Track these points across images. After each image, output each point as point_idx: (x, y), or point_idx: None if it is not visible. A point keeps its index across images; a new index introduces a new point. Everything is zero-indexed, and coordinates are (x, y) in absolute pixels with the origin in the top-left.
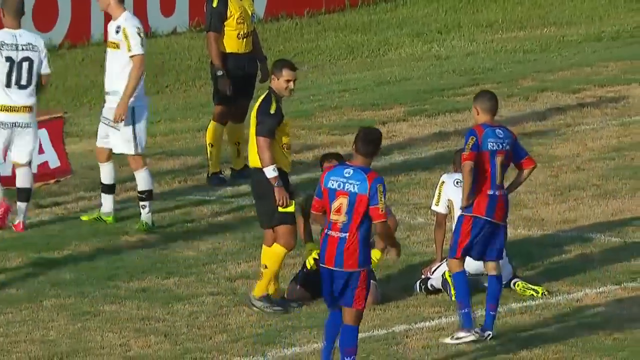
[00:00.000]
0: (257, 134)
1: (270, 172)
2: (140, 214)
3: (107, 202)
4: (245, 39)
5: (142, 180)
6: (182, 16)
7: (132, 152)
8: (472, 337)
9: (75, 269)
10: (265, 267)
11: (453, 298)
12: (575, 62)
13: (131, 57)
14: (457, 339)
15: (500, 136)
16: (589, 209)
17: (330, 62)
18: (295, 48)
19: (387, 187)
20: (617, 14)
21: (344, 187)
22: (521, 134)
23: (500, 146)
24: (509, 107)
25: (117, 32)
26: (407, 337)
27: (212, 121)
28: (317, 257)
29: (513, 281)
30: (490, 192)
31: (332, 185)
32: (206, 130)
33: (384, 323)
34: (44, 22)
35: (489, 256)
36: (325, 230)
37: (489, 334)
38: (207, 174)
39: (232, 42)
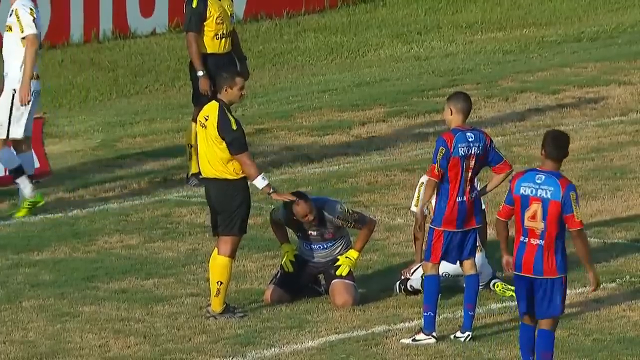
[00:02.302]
0: (235, 152)
1: (261, 181)
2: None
3: (25, 185)
4: (224, 39)
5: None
6: (162, 17)
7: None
8: (430, 340)
9: (54, 270)
10: (220, 283)
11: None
12: (554, 62)
13: (23, 38)
14: (415, 340)
15: (471, 139)
16: None
17: (310, 62)
18: (275, 49)
19: (367, 188)
20: (597, 14)
21: (536, 194)
22: (500, 134)
23: (471, 150)
24: (489, 107)
25: (11, 14)
26: (386, 338)
27: (191, 122)
28: (292, 259)
29: (493, 282)
30: (458, 199)
31: (525, 191)
32: (185, 131)
33: (364, 324)
34: None
35: (464, 256)
36: (521, 238)
37: (468, 335)
38: (187, 175)
39: (212, 42)
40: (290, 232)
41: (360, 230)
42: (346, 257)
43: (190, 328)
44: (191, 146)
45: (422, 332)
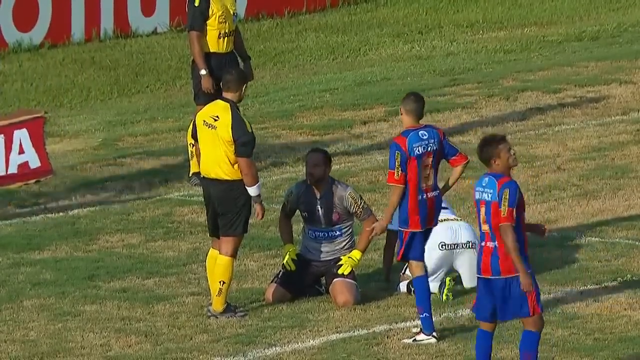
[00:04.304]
0: (242, 155)
1: (257, 190)
2: None
3: None
4: (227, 38)
5: None
6: (163, 16)
7: None
8: (432, 340)
9: (55, 269)
10: (223, 282)
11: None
12: (555, 62)
13: None
14: (416, 341)
15: (425, 137)
16: (569, 209)
17: (311, 62)
18: (276, 48)
19: (369, 188)
20: (598, 14)
21: (482, 197)
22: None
23: (426, 148)
24: (490, 107)
25: None
26: (387, 337)
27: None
28: (295, 258)
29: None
30: (419, 197)
31: (476, 195)
32: (187, 130)
33: (365, 323)
34: (24, 21)
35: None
36: (481, 243)
37: (436, 336)
38: (188, 174)
39: (214, 41)
40: (295, 234)
41: (363, 228)
42: (349, 257)
43: (192, 327)
44: (192, 145)
45: (423, 332)
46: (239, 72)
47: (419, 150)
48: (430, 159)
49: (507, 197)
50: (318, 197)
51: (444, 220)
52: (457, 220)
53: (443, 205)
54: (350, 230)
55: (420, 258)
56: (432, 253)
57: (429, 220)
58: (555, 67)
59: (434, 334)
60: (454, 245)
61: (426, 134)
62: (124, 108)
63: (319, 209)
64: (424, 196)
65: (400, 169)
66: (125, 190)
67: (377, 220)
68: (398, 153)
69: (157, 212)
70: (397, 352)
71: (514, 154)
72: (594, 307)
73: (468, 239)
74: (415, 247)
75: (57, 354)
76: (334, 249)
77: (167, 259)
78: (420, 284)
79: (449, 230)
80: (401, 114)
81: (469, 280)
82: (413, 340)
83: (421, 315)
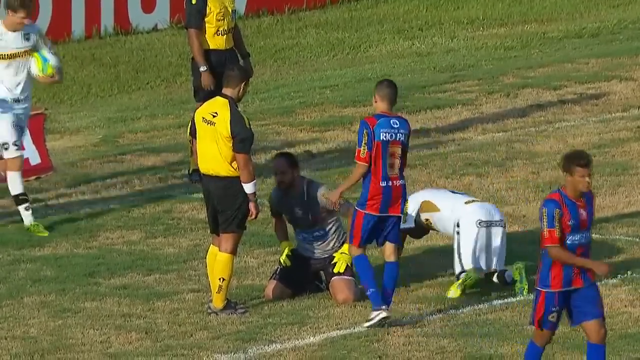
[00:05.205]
0: (240, 151)
1: (252, 187)
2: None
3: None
4: (226, 36)
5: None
6: (163, 13)
7: None
8: (383, 314)
9: (55, 265)
10: (223, 279)
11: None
12: (556, 58)
13: None
14: (370, 320)
15: (395, 126)
16: None
17: (311, 58)
18: (276, 45)
19: None
20: (598, 10)
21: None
22: (502, 130)
23: (395, 136)
24: (490, 103)
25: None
26: (387, 333)
27: None
28: (290, 254)
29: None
30: (382, 184)
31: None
32: (187, 127)
33: (365, 320)
34: None
35: (385, 240)
36: None
37: (385, 308)
38: (188, 171)
39: (213, 38)
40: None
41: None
42: (341, 253)
43: (192, 324)
44: (193, 142)
45: (372, 310)
46: (240, 68)
47: (385, 137)
48: (399, 149)
49: (545, 218)
50: (294, 200)
51: (471, 201)
52: (484, 202)
53: (460, 192)
54: (337, 226)
55: (365, 243)
56: (471, 231)
57: (390, 208)
58: (555, 64)
59: (383, 307)
60: (490, 222)
61: (397, 122)
62: (125, 105)
63: (297, 211)
64: (389, 183)
65: (366, 147)
66: (125, 187)
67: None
68: (366, 132)
69: (157, 208)
70: (397, 349)
71: (588, 182)
72: None
73: (500, 217)
74: (365, 230)
75: (57, 351)
76: (325, 249)
77: (168, 256)
78: (361, 262)
79: (483, 209)
80: (375, 101)
81: (496, 261)
82: (369, 321)
83: (368, 292)
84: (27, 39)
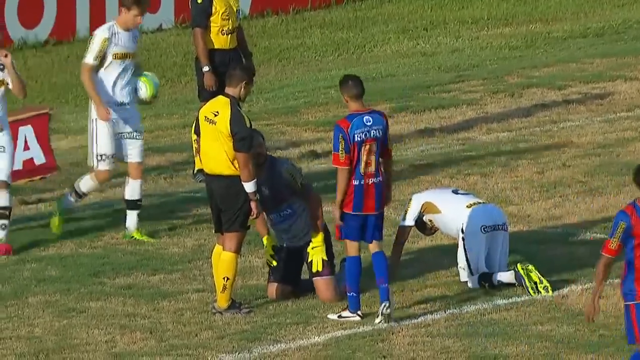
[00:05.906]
0: (240, 149)
1: (252, 186)
2: None
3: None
4: (230, 35)
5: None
6: (168, 13)
7: None
8: (356, 318)
9: (60, 265)
10: (227, 278)
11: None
12: (560, 58)
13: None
14: (341, 317)
15: (369, 123)
16: (574, 205)
17: (316, 58)
18: (281, 44)
19: None
20: (603, 10)
21: None
22: (507, 130)
23: (369, 134)
24: (495, 103)
25: None
26: (392, 333)
27: None
28: (273, 253)
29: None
30: (355, 182)
31: None
32: (191, 126)
33: (369, 320)
34: (29, 18)
35: (367, 239)
36: None
37: (386, 305)
38: (193, 170)
39: (218, 38)
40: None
41: (310, 210)
42: (313, 248)
43: (197, 324)
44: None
45: (349, 310)
46: (241, 67)
47: (359, 137)
48: (373, 145)
49: (612, 227)
50: (260, 180)
51: (476, 203)
52: (486, 203)
53: (463, 192)
54: (304, 207)
55: (355, 239)
56: (476, 237)
57: (366, 207)
58: (560, 64)
59: (359, 312)
60: (493, 227)
61: (371, 119)
62: None
63: (264, 190)
64: (362, 181)
65: (344, 151)
66: None
67: (319, 198)
68: (341, 136)
69: (162, 208)
70: (401, 349)
71: None
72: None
73: (504, 220)
74: (349, 227)
75: (62, 351)
76: (297, 233)
77: (172, 256)
78: (352, 264)
79: (485, 212)
80: (345, 101)
81: (500, 264)
82: (338, 317)
83: (349, 294)
84: (135, 42)
